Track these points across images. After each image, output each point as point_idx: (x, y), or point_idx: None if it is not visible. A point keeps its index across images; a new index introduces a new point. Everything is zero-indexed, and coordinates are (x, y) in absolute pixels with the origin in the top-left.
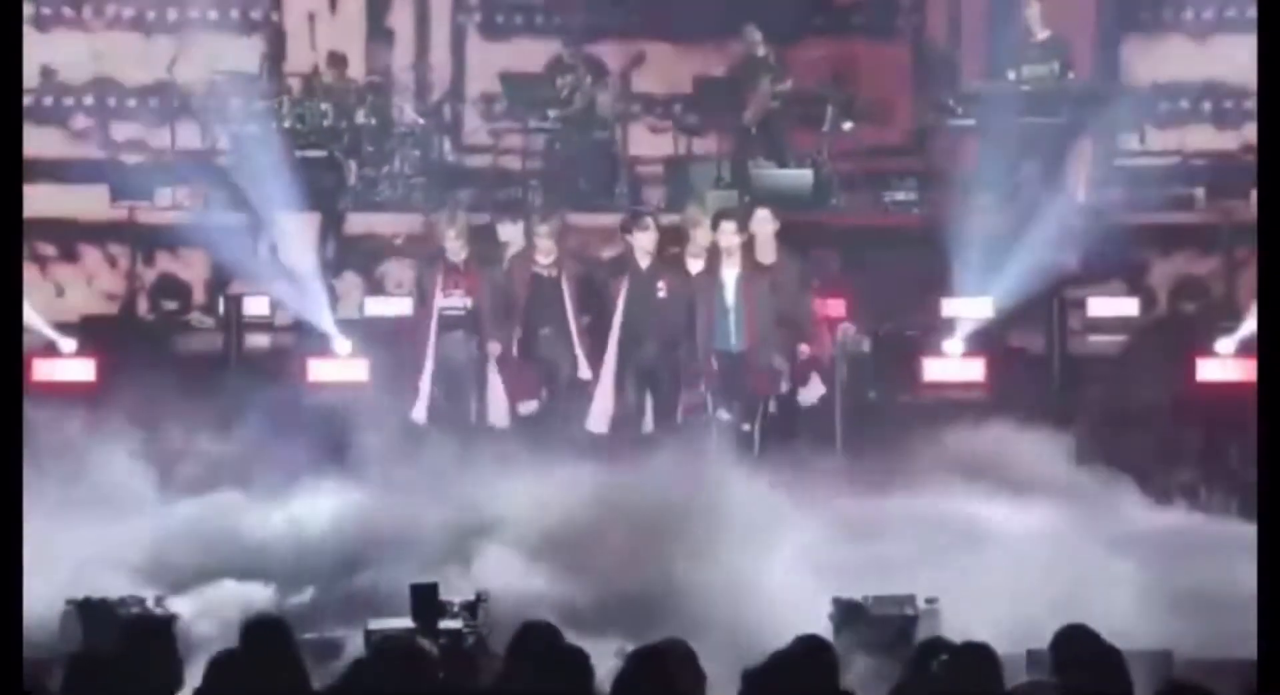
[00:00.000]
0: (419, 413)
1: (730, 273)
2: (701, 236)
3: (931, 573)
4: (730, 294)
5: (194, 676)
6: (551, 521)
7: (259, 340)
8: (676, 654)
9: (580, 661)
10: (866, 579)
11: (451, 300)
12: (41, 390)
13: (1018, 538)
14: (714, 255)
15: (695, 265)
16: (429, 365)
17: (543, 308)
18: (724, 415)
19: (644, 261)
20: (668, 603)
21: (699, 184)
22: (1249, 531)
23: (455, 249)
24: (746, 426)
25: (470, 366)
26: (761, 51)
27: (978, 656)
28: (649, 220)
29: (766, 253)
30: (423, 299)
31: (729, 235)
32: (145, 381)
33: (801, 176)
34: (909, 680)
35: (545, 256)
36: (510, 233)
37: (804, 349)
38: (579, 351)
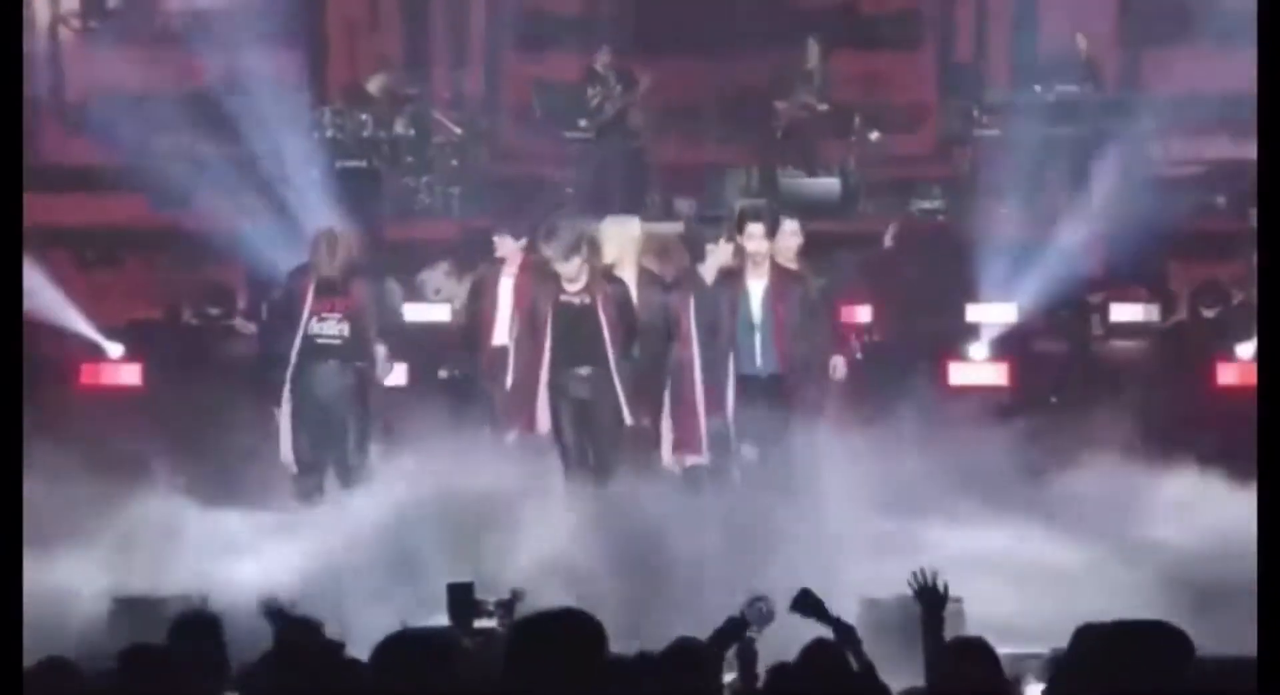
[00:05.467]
0: (285, 454)
1: (757, 284)
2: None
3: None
4: (757, 308)
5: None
6: None
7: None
8: (701, 653)
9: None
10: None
11: (325, 326)
12: (89, 393)
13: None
14: (736, 265)
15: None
16: (288, 404)
17: (577, 343)
18: (749, 449)
19: (710, 278)
20: None
21: (729, 193)
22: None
23: (326, 261)
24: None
25: (349, 406)
26: (812, 64)
27: (975, 652)
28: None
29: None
30: (290, 322)
31: (756, 239)
32: (190, 385)
33: (829, 185)
34: (933, 680)
35: (572, 283)
36: (506, 247)
37: (838, 363)
38: (621, 395)
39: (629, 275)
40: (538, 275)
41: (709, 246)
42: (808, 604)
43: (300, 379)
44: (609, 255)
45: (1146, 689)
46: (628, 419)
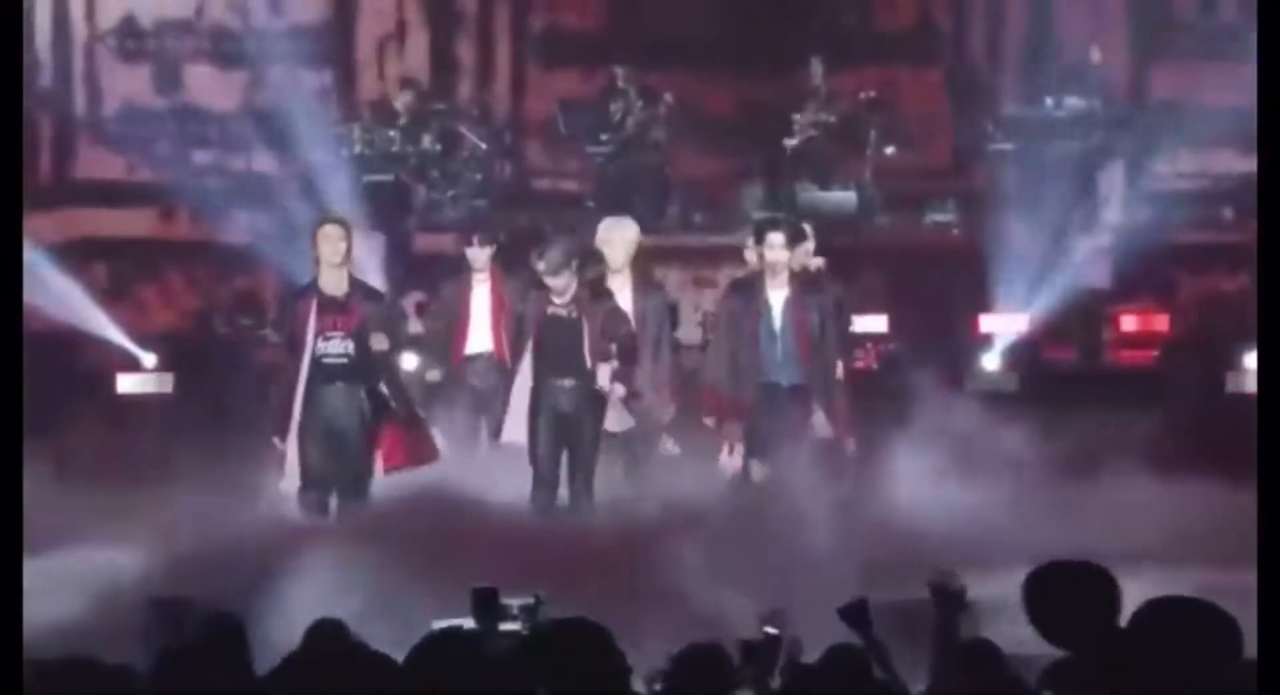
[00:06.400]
0: (288, 483)
1: (777, 295)
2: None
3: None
4: (778, 318)
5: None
6: None
7: None
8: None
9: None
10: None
11: (331, 345)
12: (124, 402)
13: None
14: (755, 275)
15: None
16: (296, 423)
17: (562, 355)
18: (758, 466)
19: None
20: None
21: (747, 205)
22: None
23: (331, 280)
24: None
25: (355, 426)
26: (817, 81)
27: (983, 655)
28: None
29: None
30: (292, 342)
31: (776, 249)
32: (222, 394)
33: (845, 198)
34: (942, 680)
35: (561, 296)
36: (480, 259)
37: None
38: (616, 403)
39: (626, 278)
40: (524, 286)
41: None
42: (858, 615)
43: (308, 399)
44: (614, 260)
45: (1193, 673)
46: (616, 426)
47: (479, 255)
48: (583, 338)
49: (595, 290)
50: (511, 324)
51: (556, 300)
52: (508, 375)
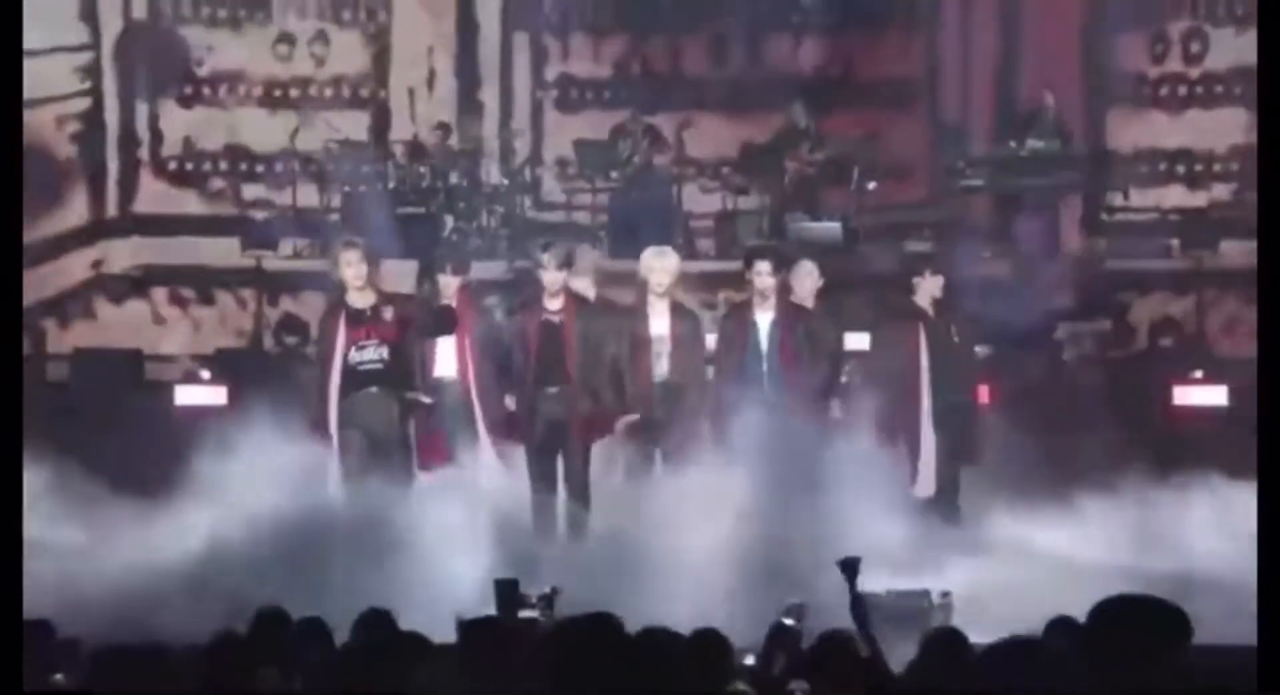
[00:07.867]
0: (333, 486)
1: (764, 317)
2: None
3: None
4: (765, 339)
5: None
6: None
7: None
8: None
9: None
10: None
11: (365, 353)
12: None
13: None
14: (744, 298)
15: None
16: (337, 431)
17: (551, 362)
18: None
19: (931, 309)
20: None
21: (744, 235)
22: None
23: (357, 295)
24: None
25: (392, 430)
26: (803, 123)
27: (950, 643)
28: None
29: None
30: (323, 355)
31: (763, 276)
32: (270, 405)
33: (832, 229)
34: (916, 669)
35: (554, 301)
36: (450, 287)
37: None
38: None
39: (665, 304)
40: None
41: (915, 280)
42: (851, 568)
43: (347, 406)
44: (659, 286)
45: (1139, 667)
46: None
47: (450, 283)
48: (568, 345)
49: (581, 300)
50: (496, 334)
51: (550, 306)
52: (508, 380)
